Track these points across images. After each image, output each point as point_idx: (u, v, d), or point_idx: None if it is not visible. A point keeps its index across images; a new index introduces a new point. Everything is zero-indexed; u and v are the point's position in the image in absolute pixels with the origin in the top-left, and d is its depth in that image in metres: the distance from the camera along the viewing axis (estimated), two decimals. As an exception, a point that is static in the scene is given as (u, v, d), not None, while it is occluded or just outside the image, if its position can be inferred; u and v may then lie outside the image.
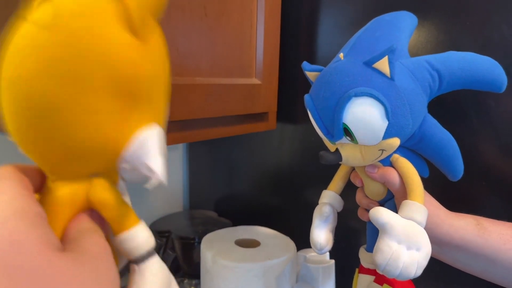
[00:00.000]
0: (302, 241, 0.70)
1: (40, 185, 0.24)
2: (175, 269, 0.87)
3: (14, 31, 0.22)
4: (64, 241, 0.22)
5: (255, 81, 0.68)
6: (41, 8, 0.22)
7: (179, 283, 0.85)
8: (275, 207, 0.86)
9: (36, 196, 0.25)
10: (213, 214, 0.96)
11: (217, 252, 0.63)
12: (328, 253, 0.68)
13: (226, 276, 0.61)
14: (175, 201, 1.04)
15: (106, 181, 0.25)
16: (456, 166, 0.46)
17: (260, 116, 0.72)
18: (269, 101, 0.72)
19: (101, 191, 0.25)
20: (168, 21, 0.51)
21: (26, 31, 0.21)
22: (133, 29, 0.23)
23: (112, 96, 0.22)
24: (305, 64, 0.46)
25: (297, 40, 0.76)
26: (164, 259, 0.76)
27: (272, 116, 0.74)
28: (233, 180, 0.94)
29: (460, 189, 0.58)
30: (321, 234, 0.48)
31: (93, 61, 0.21)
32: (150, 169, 0.24)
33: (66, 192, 0.24)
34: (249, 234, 0.72)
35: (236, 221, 0.90)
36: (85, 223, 0.24)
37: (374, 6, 0.65)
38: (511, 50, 0.53)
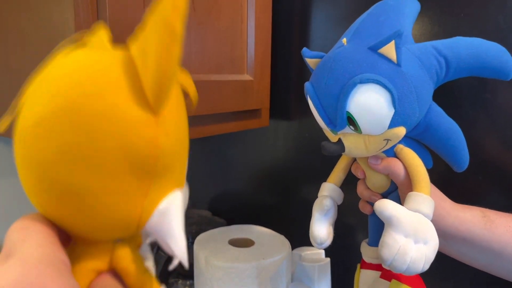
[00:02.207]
0: (297, 239, 0.69)
1: (66, 238, 0.25)
2: (169, 270, 0.86)
3: (28, 110, 0.22)
4: None
5: (247, 77, 0.67)
6: (52, 88, 0.21)
7: (173, 283, 0.84)
8: (269, 205, 0.85)
9: None
10: (207, 213, 0.95)
11: (210, 252, 0.62)
12: (323, 251, 0.68)
13: (220, 276, 0.60)
14: (168, 200, 1.02)
15: (129, 249, 0.25)
16: (462, 157, 0.45)
17: (253, 113, 0.71)
18: (261, 98, 0.71)
19: (123, 260, 0.25)
20: (155, 16, 0.49)
21: (39, 113, 0.21)
22: (149, 105, 0.22)
23: (132, 175, 0.22)
24: (305, 51, 0.44)
25: (289, 35, 0.75)
26: (157, 260, 0.75)
27: (265, 113, 0.73)
28: (226, 179, 0.93)
29: (456, 183, 0.58)
30: (322, 228, 0.47)
31: (110, 145, 0.21)
32: (170, 249, 0.24)
33: (89, 255, 0.24)
34: (243, 233, 0.71)
35: (231, 220, 0.89)
36: (109, 280, 0.24)
37: (366, 0, 0.64)
38: (507, 41, 0.52)
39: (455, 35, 0.56)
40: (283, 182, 0.81)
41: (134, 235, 0.26)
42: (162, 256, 0.74)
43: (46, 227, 0.22)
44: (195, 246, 0.65)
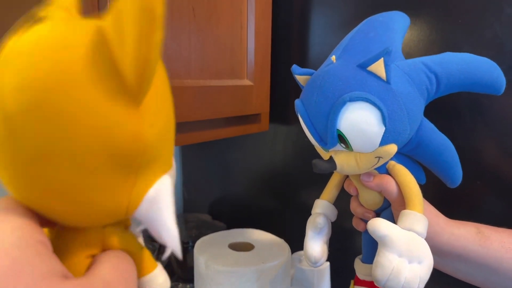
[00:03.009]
0: (297, 243, 0.69)
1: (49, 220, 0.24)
2: (169, 273, 0.86)
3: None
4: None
5: (247, 82, 0.68)
6: (14, 80, 0.19)
7: (173, 287, 0.84)
8: (269, 209, 0.85)
9: (45, 230, 0.24)
10: (207, 217, 0.95)
11: (210, 256, 0.62)
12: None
13: (220, 280, 0.60)
14: (168, 204, 1.03)
15: (120, 230, 0.25)
16: (455, 172, 0.44)
17: (252, 118, 0.71)
18: (261, 103, 0.71)
19: (118, 240, 0.24)
20: (156, 23, 0.50)
21: (8, 109, 0.19)
22: (131, 96, 0.20)
23: (117, 171, 0.21)
24: (294, 68, 0.44)
25: (289, 40, 0.75)
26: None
27: (265, 118, 0.74)
28: (226, 183, 0.94)
29: (455, 189, 0.58)
30: (315, 247, 0.46)
31: (90, 141, 0.19)
32: (162, 238, 0.23)
33: (83, 237, 0.24)
34: (242, 237, 0.71)
35: (231, 224, 0.89)
36: (107, 254, 0.24)
37: (365, 6, 0.65)
38: (504, 48, 0.53)
39: (452, 42, 0.57)
40: (282, 186, 0.82)
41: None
42: (163, 259, 0.74)
43: (21, 209, 0.21)
44: (195, 250, 0.66)
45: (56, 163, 0.19)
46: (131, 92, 0.19)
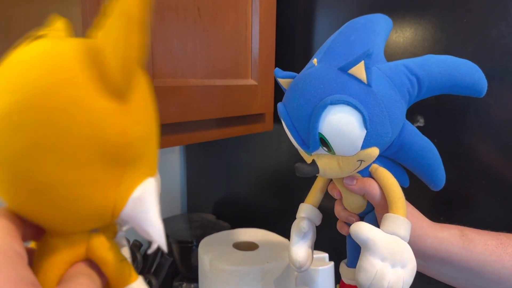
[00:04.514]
0: (301, 243, 0.69)
1: (35, 231, 0.24)
2: (173, 273, 0.86)
3: None
4: (58, 285, 0.23)
5: (251, 82, 0.68)
6: (8, 83, 0.21)
7: (177, 287, 0.84)
8: (273, 208, 0.85)
9: (32, 244, 0.25)
10: (211, 217, 0.95)
11: (215, 256, 0.63)
12: (327, 255, 0.68)
13: (224, 280, 0.60)
14: (173, 204, 1.03)
15: (104, 238, 0.25)
16: (437, 175, 0.44)
17: (256, 118, 0.71)
18: (265, 102, 0.71)
19: (99, 250, 0.25)
20: (162, 23, 0.50)
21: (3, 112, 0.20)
22: (115, 92, 0.21)
23: (103, 166, 0.22)
24: (277, 71, 0.44)
25: (293, 40, 0.75)
26: (161, 263, 0.75)
27: (269, 117, 0.74)
28: (231, 182, 0.94)
29: (460, 188, 0.58)
30: (300, 252, 0.46)
31: (78, 137, 0.21)
32: (148, 235, 0.24)
33: (64, 247, 0.24)
34: (247, 236, 0.71)
35: (235, 224, 0.89)
36: (81, 268, 0.24)
37: (369, 5, 0.65)
38: (510, 48, 0.53)
39: (457, 41, 0.57)
40: (287, 186, 0.82)
41: (109, 224, 0.25)
42: (167, 259, 0.74)
43: (4, 219, 0.22)
44: (200, 249, 0.66)
45: (45, 159, 0.20)
46: (117, 89, 0.21)
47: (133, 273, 0.27)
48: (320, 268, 0.64)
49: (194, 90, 0.55)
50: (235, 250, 0.66)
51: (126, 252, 0.29)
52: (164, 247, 0.24)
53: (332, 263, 0.65)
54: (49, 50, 0.22)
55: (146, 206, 0.24)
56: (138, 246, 0.79)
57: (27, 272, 0.21)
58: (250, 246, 0.68)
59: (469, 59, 0.40)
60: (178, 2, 0.52)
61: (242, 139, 0.88)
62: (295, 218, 0.49)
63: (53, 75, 0.20)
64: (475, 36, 0.55)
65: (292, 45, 0.76)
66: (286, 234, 0.72)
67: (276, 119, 0.77)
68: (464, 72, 0.39)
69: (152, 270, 0.79)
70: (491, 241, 0.42)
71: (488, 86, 0.40)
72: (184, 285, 0.84)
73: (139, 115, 0.23)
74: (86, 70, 0.21)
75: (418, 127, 0.60)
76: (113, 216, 0.24)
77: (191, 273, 0.84)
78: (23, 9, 0.49)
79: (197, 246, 0.79)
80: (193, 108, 0.55)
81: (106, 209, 0.23)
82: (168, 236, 0.83)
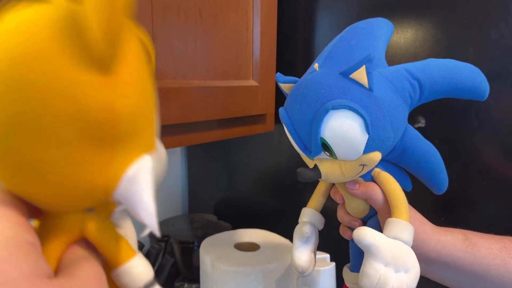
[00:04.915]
0: (302, 243, 0.69)
1: (37, 211, 0.24)
2: (175, 273, 0.86)
3: None
4: (58, 269, 0.23)
5: (252, 83, 0.68)
6: None
7: (178, 287, 0.84)
8: (275, 209, 0.85)
9: (36, 222, 0.25)
10: (212, 217, 0.95)
11: (216, 256, 0.63)
12: (328, 256, 0.68)
13: (226, 280, 0.60)
14: (174, 205, 1.03)
15: (97, 219, 0.25)
16: (440, 179, 0.44)
17: (258, 118, 0.71)
18: (266, 103, 0.71)
19: (93, 229, 0.24)
20: (163, 24, 0.51)
21: None
22: (98, 62, 0.20)
23: (89, 143, 0.20)
24: (278, 76, 0.44)
25: (294, 41, 0.75)
26: (163, 263, 0.75)
27: (270, 118, 0.74)
28: (232, 183, 0.94)
29: (461, 188, 0.58)
30: (303, 256, 0.46)
31: (59, 112, 0.19)
32: (140, 217, 0.23)
33: (60, 227, 0.24)
34: (248, 237, 0.71)
35: (236, 224, 0.89)
36: (79, 251, 0.24)
37: (370, 6, 0.65)
38: (510, 48, 0.53)
39: (458, 42, 0.57)
40: (288, 186, 0.82)
41: (104, 203, 0.24)
42: (168, 259, 0.74)
43: (9, 207, 0.21)
44: (201, 250, 0.66)
45: (27, 135, 0.19)
46: (100, 59, 0.19)
47: (129, 250, 0.26)
48: (322, 268, 0.64)
49: (195, 91, 0.55)
50: (237, 250, 0.66)
51: (128, 228, 0.28)
52: (157, 232, 0.23)
53: (333, 264, 0.65)
54: (23, 18, 0.20)
55: (140, 187, 0.22)
56: (139, 247, 0.79)
57: (42, 262, 0.20)
58: (251, 247, 0.68)
59: (470, 60, 0.40)
60: (179, 3, 0.52)
61: (243, 140, 0.88)
62: (296, 219, 0.50)
63: (23, 46, 0.19)
64: (475, 36, 0.55)
65: (293, 46, 0.76)
66: (288, 235, 0.72)
67: (277, 120, 0.77)
68: (465, 75, 0.39)
69: (154, 270, 0.79)
70: (495, 245, 0.41)
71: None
72: (186, 285, 0.84)
73: (128, 88, 0.21)
74: (61, 38, 0.19)
75: (419, 128, 0.60)
76: (106, 196, 0.23)
77: (192, 273, 0.84)
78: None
79: (198, 246, 0.79)
80: (194, 109, 0.56)
81: (96, 189, 0.22)
82: (169, 237, 0.83)
